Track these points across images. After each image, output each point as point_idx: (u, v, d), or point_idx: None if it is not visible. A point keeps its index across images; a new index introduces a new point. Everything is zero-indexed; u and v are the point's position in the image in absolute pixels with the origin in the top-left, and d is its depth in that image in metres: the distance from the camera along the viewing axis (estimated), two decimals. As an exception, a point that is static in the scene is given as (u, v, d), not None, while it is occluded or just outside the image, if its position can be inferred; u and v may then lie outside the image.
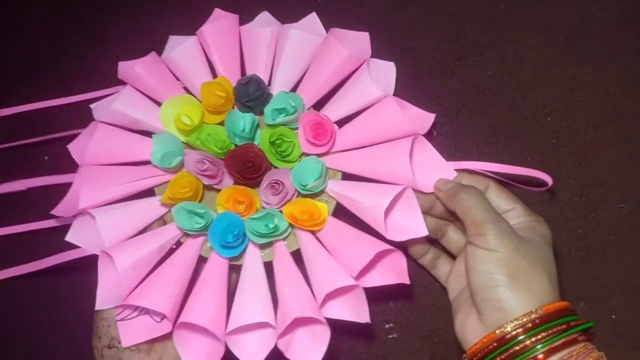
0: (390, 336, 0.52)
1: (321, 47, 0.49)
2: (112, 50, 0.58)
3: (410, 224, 0.46)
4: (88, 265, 0.46)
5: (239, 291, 0.45)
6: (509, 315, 0.39)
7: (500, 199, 0.46)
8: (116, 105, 0.48)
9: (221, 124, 0.49)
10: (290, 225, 0.47)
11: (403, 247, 0.47)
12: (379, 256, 0.44)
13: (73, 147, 0.49)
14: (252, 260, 0.47)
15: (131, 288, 0.44)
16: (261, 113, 0.49)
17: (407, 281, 0.45)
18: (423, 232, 0.45)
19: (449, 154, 0.48)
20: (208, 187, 0.48)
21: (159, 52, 0.54)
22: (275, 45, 0.51)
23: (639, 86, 0.54)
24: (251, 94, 0.48)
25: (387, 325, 0.52)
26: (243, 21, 0.53)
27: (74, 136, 0.51)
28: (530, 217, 0.45)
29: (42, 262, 0.49)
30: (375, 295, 0.45)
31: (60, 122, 0.57)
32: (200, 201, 0.48)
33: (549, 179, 0.47)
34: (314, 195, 0.48)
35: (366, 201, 0.45)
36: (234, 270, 0.48)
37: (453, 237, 0.49)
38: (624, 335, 0.51)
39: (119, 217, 0.46)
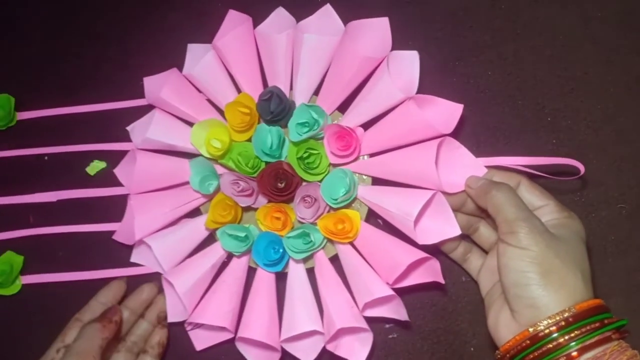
0: (390, 336, 0.52)
1: (338, 49, 0.50)
2: (111, 50, 0.58)
3: (442, 225, 0.47)
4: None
5: (288, 300, 0.50)
6: (542, 313, 0.39)
7: (532, 196, 0.45)
8: (150, 134, 0.51)
9: (250, 139, 0.51)
10: (326, 237, 0.50)
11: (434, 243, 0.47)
12: (414, 262, 0.46)
13: (119, 173, 0.54)
14: (296, 269, 0.51)
15: (193, 306, 0.50)
16: (286, 125, 0.50)
17: (441, 280, 0.47)
18: (455, 232, 0.46)
19: (449, 154, 0.48)
20: (246, 209, 0.52)
21: (161, 52, 0.54)
22: (292, 50, 0.51)
23: (639, 86, 0.54)
24: (274, 111, 0.49)
25: (387, 325, 0.52)
26: (254, 14, 0.53)
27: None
28: (563, 213, 0.44)
29: (109, 271, 0.54)
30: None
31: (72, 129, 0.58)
32: (240, 221, 0.52)
33: (581, 166, 0.46)
34: (347, 204, 0.49)
35: (396, 210, 0.47)
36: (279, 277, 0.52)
37: (485, 233, 0.49)
38: (624, 335, 0.51)
39: (172, 242, 0.51)
